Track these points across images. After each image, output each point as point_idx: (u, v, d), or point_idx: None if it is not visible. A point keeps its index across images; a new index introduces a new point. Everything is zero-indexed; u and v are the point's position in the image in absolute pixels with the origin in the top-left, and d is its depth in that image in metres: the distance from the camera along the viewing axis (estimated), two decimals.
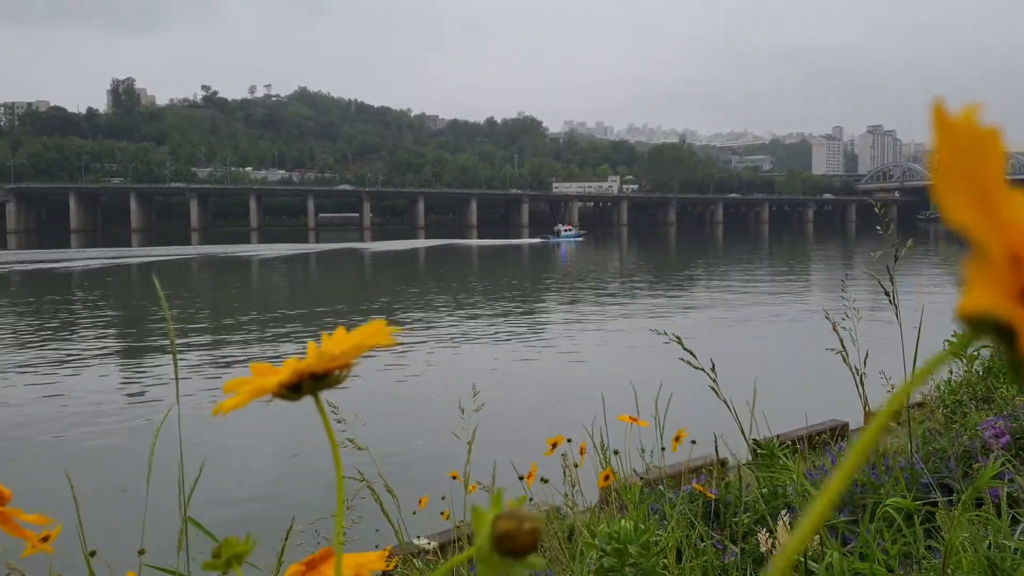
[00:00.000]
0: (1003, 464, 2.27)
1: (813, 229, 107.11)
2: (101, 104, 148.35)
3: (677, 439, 3.20)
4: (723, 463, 3.80)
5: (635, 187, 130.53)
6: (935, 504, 2.31)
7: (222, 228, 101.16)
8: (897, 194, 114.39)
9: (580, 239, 77.01)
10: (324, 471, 2.58)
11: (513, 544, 0.30)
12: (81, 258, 52.90)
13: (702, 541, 2.50)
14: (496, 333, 20.59)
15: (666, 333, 2.42)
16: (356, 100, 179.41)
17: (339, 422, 2.27)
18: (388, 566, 3.25)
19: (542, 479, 3.03)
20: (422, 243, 71.86)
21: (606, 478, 3.15)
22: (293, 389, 0.42)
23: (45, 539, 1.73)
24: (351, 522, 2.20)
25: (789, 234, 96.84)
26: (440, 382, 13.06)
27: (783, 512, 2.35)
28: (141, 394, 13.55)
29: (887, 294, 2.66)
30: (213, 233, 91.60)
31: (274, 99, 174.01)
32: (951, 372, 4.53)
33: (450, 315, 24.38)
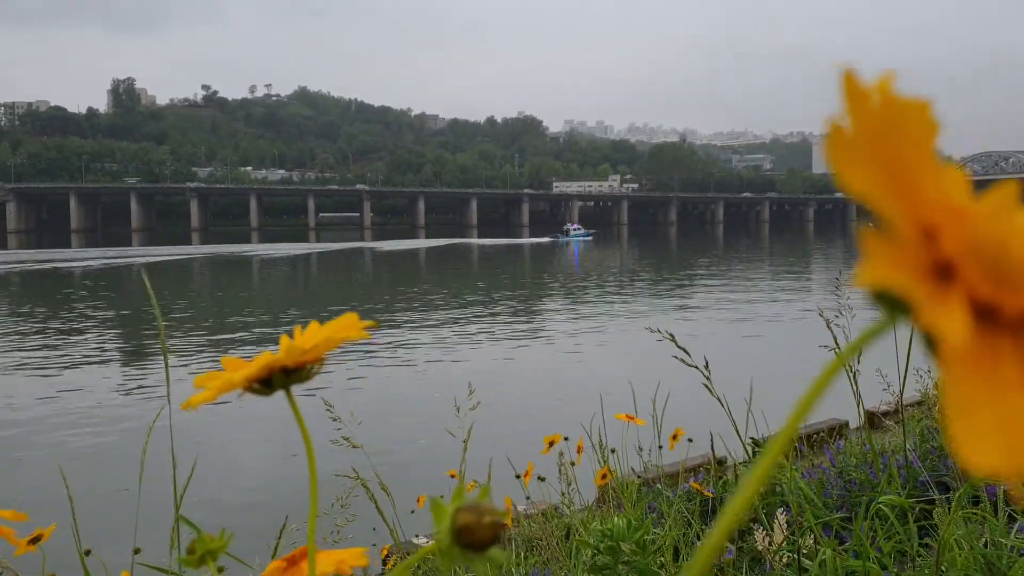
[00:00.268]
0: None
1: (814, 228, 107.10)
2: (101, 104, 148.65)
3: (674, 437, 3.20)
4: (721, 462, 3.80)
5: (635, 186, 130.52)
6: (932, 502, 2.31)
7: (222, 228, 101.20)
8: None
9: (589, 238, 77.09)
10: (324, 470, 2.57)
11: (473, 537, 0.30)
12: (87, 257, 52.93)
13: (699, 539, 2.50)
14: (508, 331, 20.59)
15: (660, 331, 2.42)
16: (356, 100, 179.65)
17: (334, 420, 2.27)
18: (388, 564, 3.25)
19: (539, 477, 3.03)
20: (431, 243, 71.72)
21: (603, 476, 3.15)
22: (264, 384, 0.42)
23: (37, 539, 1.73)
24: (345, 520, 2.20)
25: (790, 233, 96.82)
26: (445, 381, 13.06)
27: (779, 511, 2.35)
28: (143, 393, 13.55)
29: None
30: (214, 233, 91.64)
31: (274, 99, 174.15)
32: None
33: (457, 313, 24.38)
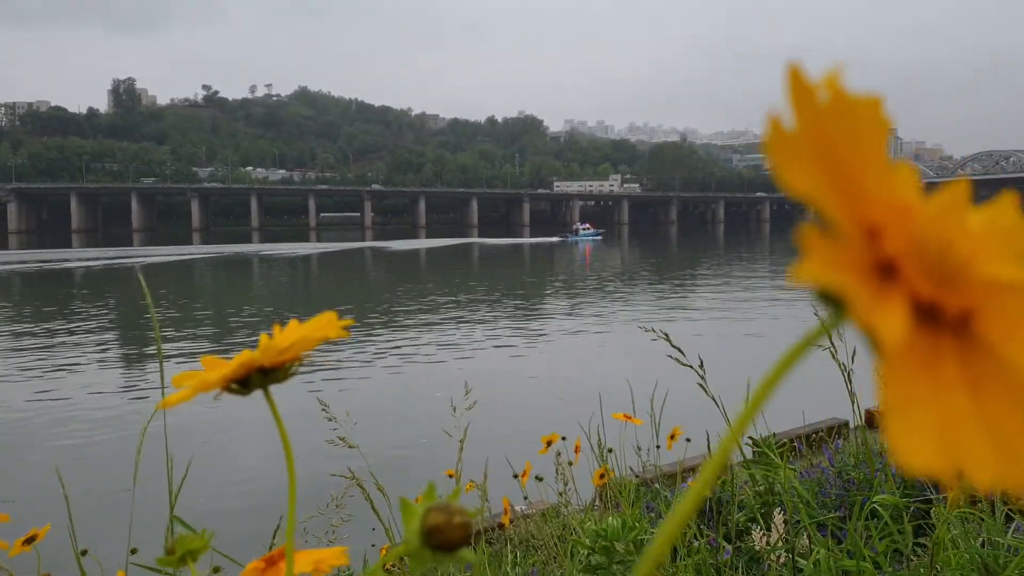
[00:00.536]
0: None
1: None
2: (102, 104, 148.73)
3: (672, 437, 3.20)
4: None
5: (636, 186, 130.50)
6: (930, 501, 2.30)
7: (223, 228, 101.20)
8: None
9: (599, 237, 77.21)
10: (324, 470, 2.58)
11: (443, 538, 0.29)
12: (88, 258, 52.90)
13: (697, 539, 2.49)
14: (515, 331, 20.58)
15: (654, 330, 2.42)
16: (357, 99, 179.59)
17: (329, 420, 2.27)
18: (387, 564, 3.25)
19: (537, 477, 3.03)
20: (441, 242, 71.56)
21: (602, 476, 3.15)
22: (242, 383, 0.42)
23: (32, 539, 1.72)
24: (340, 520, 2.20)
25: (791, 233, 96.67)
26: (445, 381, 13.05)
27: (776, 511, 2.35)
28: (143, 393, 13.55)
29: None
30: (215, 233, 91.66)
31: (275, 99, 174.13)
32: None
33: (465, 313, 24.37)
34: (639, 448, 3.41)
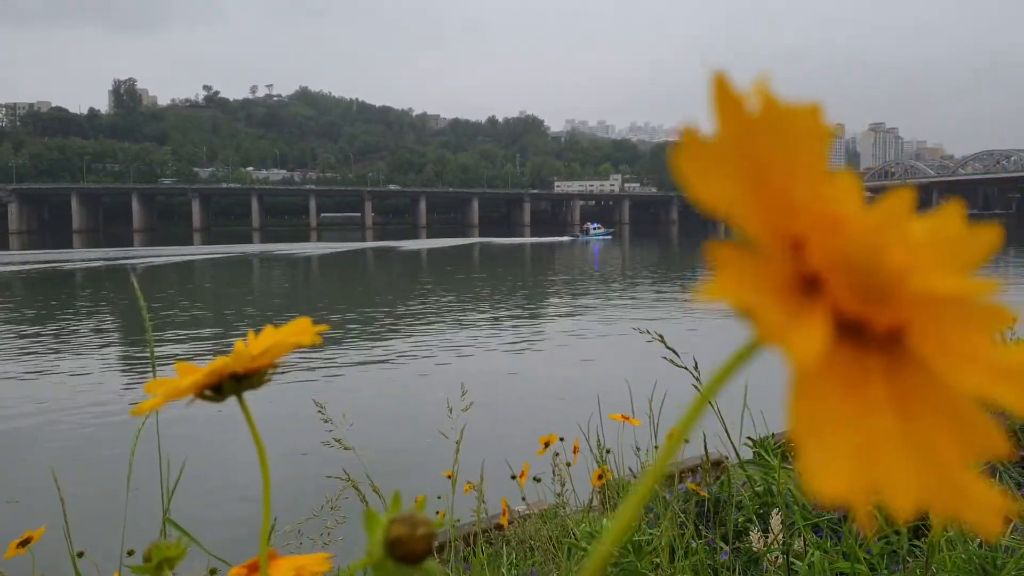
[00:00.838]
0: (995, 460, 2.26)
1: None
2: (103, 104, 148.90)
3: (671, 437, 3.19)
4: (718, 462, 3.79)
5: (637, 186, 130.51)
6: None
7: (224, 228, 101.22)
8: None
9: (609, 237, 77.57)
10: (323, 470, 2.58)
11: (406, 549, 0.29)
12: (89, 258, 52.92)
13: (695, 540, 2.49)
14: (521, 330, 20.58)
15: (649, 332, 2.41)
16: (357, 100, 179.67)
17: (325, 422, 2.26)
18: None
19: (534, 478, 3.03)
20: (449, 242, 71.47)
21: (600, 477, 3.15)
22: (215, 390, 0.41)
23: (26, 541, 1.71)
24: (335, 523, 2.20)
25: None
26: (447, 380, 13.05)
27: (774, 512, 2.34)
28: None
29: None
30: (215, 233, 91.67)
31: (275, 99, 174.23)
32: None
33: (472, 315, 24.37)
34: (637, 449, 3.41)
